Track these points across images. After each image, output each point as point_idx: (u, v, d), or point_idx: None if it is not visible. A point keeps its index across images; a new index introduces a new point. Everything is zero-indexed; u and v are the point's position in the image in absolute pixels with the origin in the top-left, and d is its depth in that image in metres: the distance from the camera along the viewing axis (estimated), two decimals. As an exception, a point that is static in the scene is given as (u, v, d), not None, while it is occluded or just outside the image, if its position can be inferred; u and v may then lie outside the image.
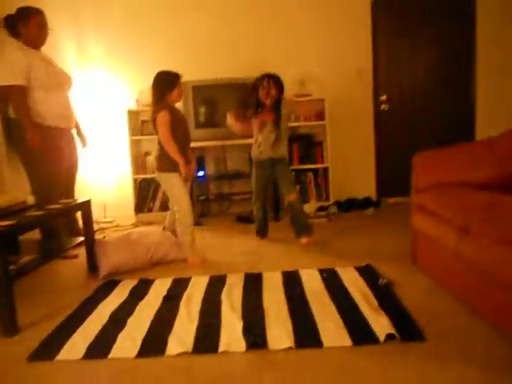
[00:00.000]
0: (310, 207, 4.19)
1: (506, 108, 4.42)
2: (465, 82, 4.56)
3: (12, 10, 3.01)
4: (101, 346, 1.76)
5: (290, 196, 3.10)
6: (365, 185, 4.62)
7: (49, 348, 1.78)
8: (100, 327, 1.94)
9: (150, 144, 4.47)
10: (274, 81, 3.06)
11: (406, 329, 1.74)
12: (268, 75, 3.06)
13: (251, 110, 3.12)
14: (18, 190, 3.09)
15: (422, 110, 4.60)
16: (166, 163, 2.83)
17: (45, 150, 3.00)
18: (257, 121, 3.12)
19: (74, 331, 1.91)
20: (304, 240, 3.07)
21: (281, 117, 3.10)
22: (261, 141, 3.13)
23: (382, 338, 1.67)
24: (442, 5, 4.47)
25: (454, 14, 4.48)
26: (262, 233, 3.38)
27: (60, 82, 3.16)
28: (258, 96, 3.08)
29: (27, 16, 3.01)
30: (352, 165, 4.63)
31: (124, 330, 1.89)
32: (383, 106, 4.58)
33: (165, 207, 4.39)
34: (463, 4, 4.46)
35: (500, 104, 4.47)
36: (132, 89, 4.43)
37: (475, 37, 4.45)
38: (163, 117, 2.74)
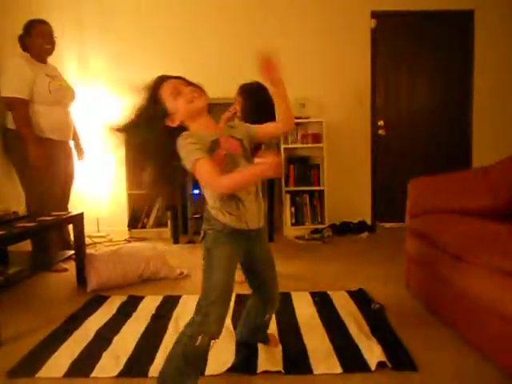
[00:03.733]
0: (304, 229, 4.18)
1: (501, 137, 4.47)
2: (462, 110, 4.61)
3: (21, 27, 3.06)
4: (84, 364, 1.71)
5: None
6: (360, 209, 4.61)
7: (30, 364, 1.73)
8: (85, 344, 1.89)
9: (147, 159, 4.47)
10: None
11: (398, 357, 1.70)
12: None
13: None
14: (13, 200, 3.07)
15: (419, 136, 4.64)
16: None
17: (43, 163, 2.99)
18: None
19: (58, 347, 1.86)
20: None
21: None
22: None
23: (373, 366, 1.63)
24: (442, 33, 4.55)
25: (452, 42, 4.57)
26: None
27: (62, 96, 3.16)
28: None
29: (30, 27, 3.04)
30: (348, 188, 4.63)
31: (109, 349, 1.84)
32: (380, 131, 4.61)
33: (158, 224, 4.37)
34: (462, 33, 4.55)
35: (495, 133, 4.52)
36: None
37: (473, 65, 4.53)
38: None
